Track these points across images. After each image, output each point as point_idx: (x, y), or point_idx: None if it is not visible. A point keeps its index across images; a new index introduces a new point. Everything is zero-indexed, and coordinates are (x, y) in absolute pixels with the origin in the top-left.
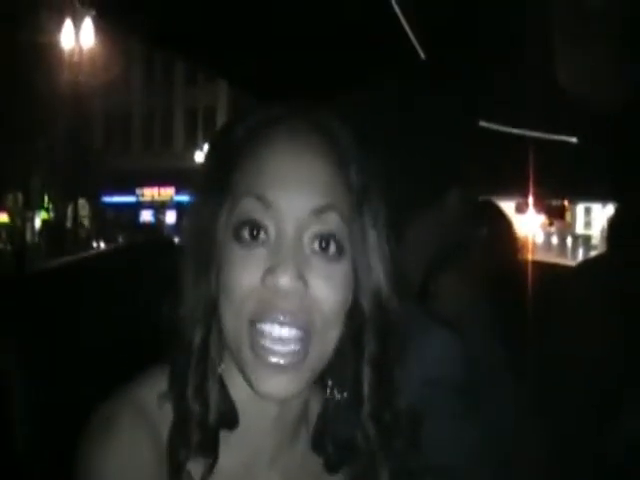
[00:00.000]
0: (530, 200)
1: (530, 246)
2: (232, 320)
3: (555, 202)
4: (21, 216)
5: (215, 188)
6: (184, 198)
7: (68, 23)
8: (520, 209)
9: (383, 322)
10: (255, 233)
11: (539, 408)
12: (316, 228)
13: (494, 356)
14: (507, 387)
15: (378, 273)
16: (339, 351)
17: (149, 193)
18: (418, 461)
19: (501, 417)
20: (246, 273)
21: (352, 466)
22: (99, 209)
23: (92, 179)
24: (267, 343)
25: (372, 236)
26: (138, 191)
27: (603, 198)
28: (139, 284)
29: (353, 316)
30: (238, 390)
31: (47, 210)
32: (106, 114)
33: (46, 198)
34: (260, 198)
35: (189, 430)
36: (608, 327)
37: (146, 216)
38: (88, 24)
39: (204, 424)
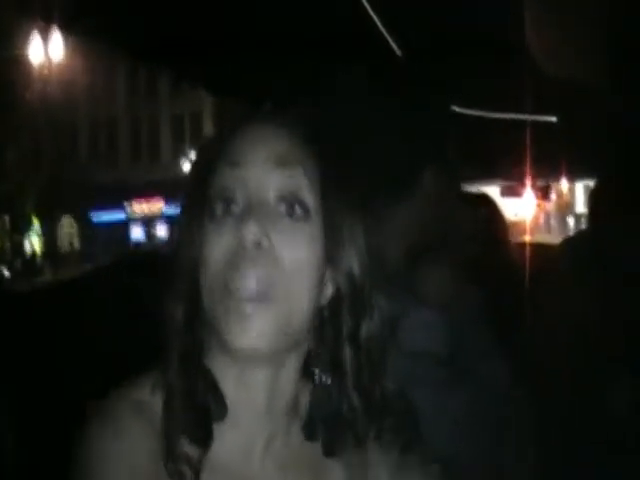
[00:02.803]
0: (528, 182)
1: (528, 228)
2: (209, 292)
3: (539, 182)
4: (10, 240)
5: (195, 177)
6: (174, 210)
7: (36, 36)
8: (516, 192)
9: (358, 300)
10: (227, 209)
11: (528, 381)
12: (280, 187)
13: (482, 338)
14: (495, 364)
15: (350, 250)
16: (321, 337)
17: (138, 208)
18: (418, 448)
19: (488, 391)
20: (217, 244)
21: (346, 448)
22: (88, 228)
23: (78, 195)
24: (235, 299)
25: (341, 210)
26: (127, 206)
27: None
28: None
29: (332, 301)
30: (226, 381)
31: (36, 233)
32: (91, 126)
33: (35, 220)
34: (229, 162)
35: (177, 414)
36: (592, 299)
37: (137, 232)
38: (57, 37)
39: (192, 408)
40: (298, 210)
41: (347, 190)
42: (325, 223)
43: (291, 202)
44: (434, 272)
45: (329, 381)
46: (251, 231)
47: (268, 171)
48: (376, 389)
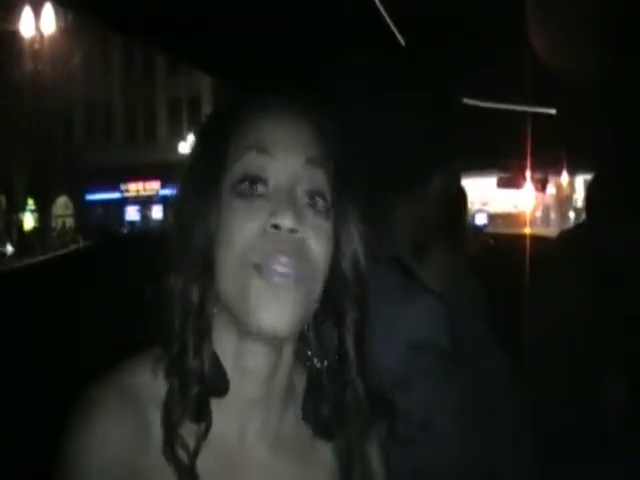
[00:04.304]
0: (525, 173)
1: (527, 220)
2: (235, 269)
3: (536, 174)
4: (4, 219)
5: (212, 154)
6: (170, 192)
7: (27, 10)
8: (513, 183)
9: (363, 289)
10: (254, 188)
11: (525, 372)
12: (307, 183)
13: (482, 329)
14: (493, 356)
15: (356, 242)
16: (317, 321)
17: (134, 188)
18: (405, 425)
19: (487, 382)
20: (248, 222)
21: (343, 431)
22: (83, 207)
23: (74, 176)
24: (267, 279)
25: (350, 205)
26: (122, 187)
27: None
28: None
29: (333, 285)
30: (226, 360)
31: (31, 212)
32: (86, 108)
33: (30, 200)
34: (261, 150)
35: (188, 392)
36: (585, 291)
37: (132, 212)
38: (48, 10)
39: (198, 387)
40: (321, 203)
41: (356, 188)
42: (337, 219)
43: (316, 196)
44: (437, 261)
45: (320, 366)
46: (289, 216)
47: (297, 168)
48: (370, 375)
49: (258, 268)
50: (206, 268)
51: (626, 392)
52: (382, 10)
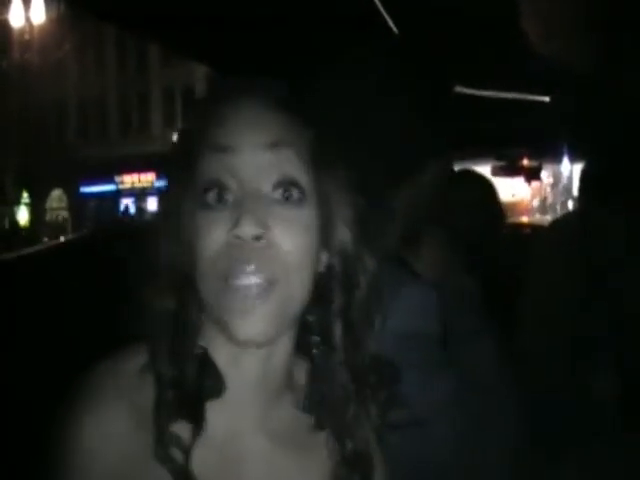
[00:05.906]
0: (519, 162)
1: (525, 209)
2: (206, 283)
3: (531, 162)
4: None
5: (181, 162)
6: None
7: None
8: (507, 172)
9: (350, 276)
10: (219, 197)
11: (518, 367)
12: (276, 172)
13: (472, 320)
14: (484, 347)
15: (342, 226)
16: (314, 312)
17: (129, 180)
18: (400, 413)
19: (477, 375)
20: (213, 235)
21: (334, 419)
22: (78, 200)
23: (68, 168)
24: (237, 295)
25: (333, 189)
26: (117, 179)
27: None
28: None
29: (324, 276)
30: (220, 360)
31: (25, 205)
32: (79, 99)
33: (25, 193)
34: (218, 147)
35: (169, 399)
36: (576, 281)
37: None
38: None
39: (185, 392)
40: (295, 194)
41: (338, 169)
42: (319, 204)
43: (287, 186)
44: (429, 250)
45: (323, 355)
46: (250, 224)
47: (261, 156)
48: (361, 359)
49: (225, 280)
50: (184, 280)
51: (617, 390)
52: (378, 3)
